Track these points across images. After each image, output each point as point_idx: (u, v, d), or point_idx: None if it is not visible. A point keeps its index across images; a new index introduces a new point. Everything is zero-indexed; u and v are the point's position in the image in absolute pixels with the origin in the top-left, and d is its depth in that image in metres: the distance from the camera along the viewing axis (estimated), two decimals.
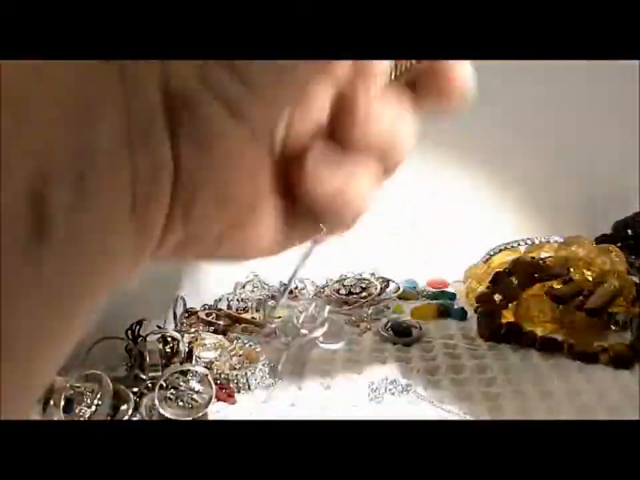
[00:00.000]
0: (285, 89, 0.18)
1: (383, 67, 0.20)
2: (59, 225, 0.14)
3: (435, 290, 0.69)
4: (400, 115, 0.19)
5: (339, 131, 0.19)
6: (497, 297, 0.61)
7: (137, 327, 0.55)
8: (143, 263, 0.17)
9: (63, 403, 0.45)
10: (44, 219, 0.14)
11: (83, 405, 0.46)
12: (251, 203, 0.18)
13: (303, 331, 0.55)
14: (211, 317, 0.62)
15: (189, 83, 0.16)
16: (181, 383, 0.49)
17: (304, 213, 0.19)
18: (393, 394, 0.51)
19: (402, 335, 0.59)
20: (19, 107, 0.14)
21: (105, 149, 0.15)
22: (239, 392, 0.52)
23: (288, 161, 0.19)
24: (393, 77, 0.20)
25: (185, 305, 0.63)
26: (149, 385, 0.49)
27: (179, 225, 0.17)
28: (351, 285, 0.68)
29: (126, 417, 0.47)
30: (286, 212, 0.20)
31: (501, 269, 0.62)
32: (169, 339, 0.54)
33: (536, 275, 0.61)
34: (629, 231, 0.70)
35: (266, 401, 0.50)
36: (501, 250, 0.65)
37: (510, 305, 0.61)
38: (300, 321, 0.55)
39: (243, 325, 0.62)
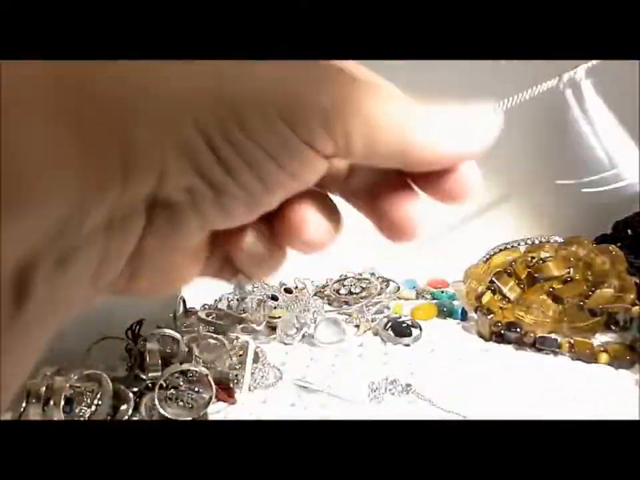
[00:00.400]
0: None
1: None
2: (37, 295, 0.16)
3: (434, 290, 0.69)
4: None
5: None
6: (497, 297, 0.61)
7: (137, 327, 0.55)
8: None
9: (62, 403, 0.45)
10: (26, 292, 0.15)
11: (83, 404, 0.46)
12: (186, 270, 0.21)
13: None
14: (211, 316, 0.62)
15: (176, 195, 0.17)
16: (181, 383, 0.49)
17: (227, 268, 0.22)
18: (393, 394, 0.51)
19: (402, 334, 0.59)
20: (21, 195, 0.14)
21: (89, 234, 0.16)
22: (239, 392, 0.52)
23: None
24: None
25: (185, 304, 0.63)
26: (149, 384, 0.49)
27: (124, 281, 0.19)
28: (351, 285, 0.68)
29: (126, 417, 0.47)
30: (212, 266, 0.22)
31: (501, 269, 0.62)
32: (169, 339, 0.54)
33: (536, 275, 0.62)
34: (629, 231, 0.70)
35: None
36: (501, 250, 0.65)
37: (510, 304, 0.61)
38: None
39: (243, 324, 0.62)
